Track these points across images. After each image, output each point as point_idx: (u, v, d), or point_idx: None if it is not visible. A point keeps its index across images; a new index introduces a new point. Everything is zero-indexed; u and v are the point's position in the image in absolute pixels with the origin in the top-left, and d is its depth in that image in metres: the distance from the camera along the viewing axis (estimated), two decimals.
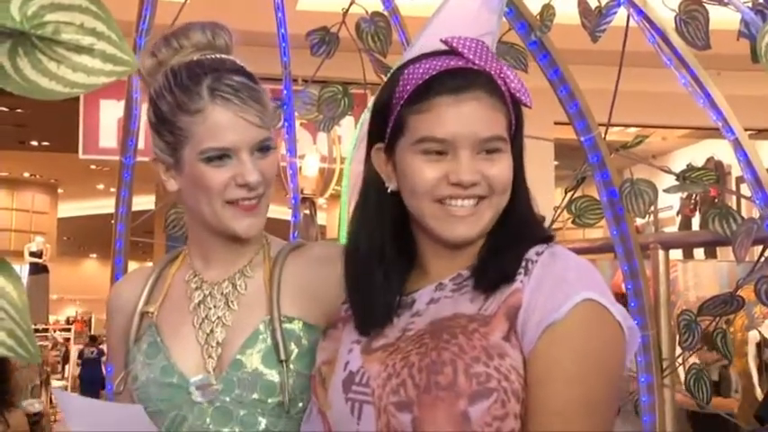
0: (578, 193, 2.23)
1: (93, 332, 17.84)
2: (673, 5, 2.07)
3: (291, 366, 1.23)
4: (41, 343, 9.95)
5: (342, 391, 1.13)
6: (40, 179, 14.81)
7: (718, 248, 6.41)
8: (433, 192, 1.13)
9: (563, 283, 1.07)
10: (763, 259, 2.08)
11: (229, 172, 1.24)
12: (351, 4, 2.38)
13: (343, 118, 2.45)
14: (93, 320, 18.46)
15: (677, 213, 8.97)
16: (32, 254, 13.42)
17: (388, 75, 1.25)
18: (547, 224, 1.23)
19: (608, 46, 2.09)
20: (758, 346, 5.22)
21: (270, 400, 1.23)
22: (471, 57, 1.14)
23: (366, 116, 1.61)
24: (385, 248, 1.19)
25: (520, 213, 1.17)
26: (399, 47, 2.37)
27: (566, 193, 2.25)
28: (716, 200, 6.74)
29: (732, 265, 4.69)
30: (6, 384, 3.25)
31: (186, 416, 1.25)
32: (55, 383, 8.41)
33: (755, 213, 2.10)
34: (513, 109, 1.17)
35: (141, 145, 2.42)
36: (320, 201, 7.10)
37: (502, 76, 1.15)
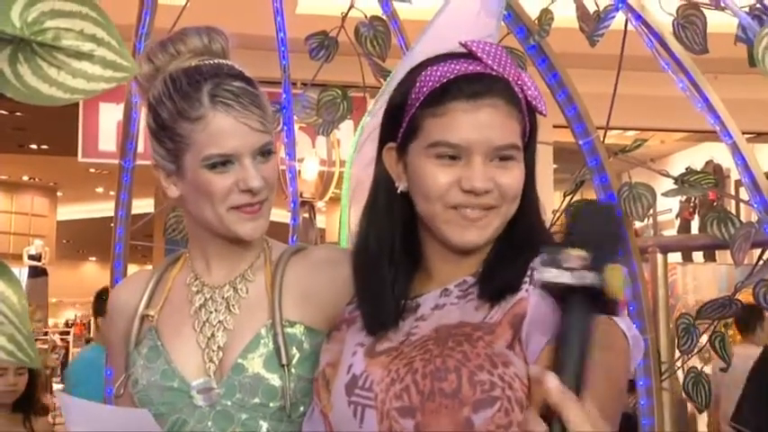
0: (577, 197, 2.24)
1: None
2: (670, 10, 2.07)
3: (293, 371, 1.23)
4: (41, 346, 9.94)
5: (344, 394, 1.13)
6: (39, 182, 14.79)
7: (717, 252, 6.41)
8: (445, 197, 1.12)
9: None
10: (761, 262, 2.08)
11: (232, 178, 1.24)
12: (350, 9, 2.38)
13: (343, 122, 2.45)
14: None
15: (676, 217, 8.96)
16: (31, 257, 13.40)
17: (386, 75, 1.25)
18: None
19: (606, 50, 2.09)
20: None
21: (271, 405, 1.23)
22: (490, 62, 1.13)
23: (367, 120, 1.61)
24: (395, 249, 1.19)
25: (528, 220, 1.17)
26: (398, 51, 2.37)
27: (564, 196, 2.25)
28: (715, 203, 6.74)
29: (731, 269, 4.69)
30: (34, 392, 3.26)
31: (187, 419, 1.25)
32: (55, 386, 8.40)
33: (754, 217, 2.10)
34: (528, 116, 1.16)
35: (140, 148, 2.42)
36: (319, 204, 7.10)
37: (519, 82, 1.14)
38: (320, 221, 7.87)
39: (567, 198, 2.24)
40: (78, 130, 6.72)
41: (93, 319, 5.74)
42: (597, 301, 0.87)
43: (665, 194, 2.19)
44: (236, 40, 1.34)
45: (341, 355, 1.18)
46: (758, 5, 1.90)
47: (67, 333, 14.35)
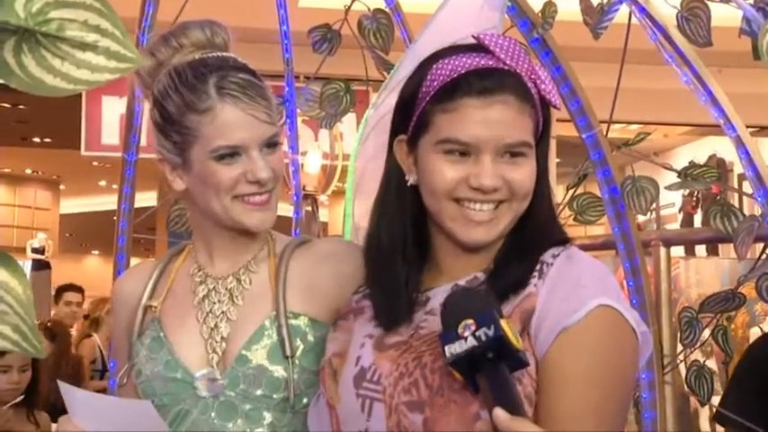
0: (580, 191, 2.24)
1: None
2: (674, 2, 2.07)
3: (297, 362, 1.23)
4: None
5: (353, 386, 1.13)
6: (42, 176, 14.80)
7: (719, 246, 6.40)
8: (452, 192, 1.12)
9: (578, 288, 1.06)
10: (764, 256, 2.08)
11: (240, 169, 1.24)
12: (353, 1, 2.38)
13: (345, 115, 2.45)
14: None
15: (679, 211, 8.96)
16: (35, 250, 13.42)
17: (390, 68, 1.25)
18: None
19: (610, 43, 2.09)
20: None
21: (275, 396, 1.23)
22: (502, 56, 1.11)
23: (371, 113, 1.61)
24: (407, 243, 1.18)
25: (540, 216, 1.16)
26: (401, 44, 2.37)
27: (567, 190, 2.25)
28: (718, 197, 6.73)
29: (733, 263, 4.69)
30: (37, 386, 3.28)
31: (190, 410, 1.25)
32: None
33: (757, 211, 2.10)
34: (542, 110, 1.14)
35: (143, 141, 2.42)
36: (322, 197, 7.11)
37: (533, 77, 1.12)
38: (323, 215, 7.87)
39: (570, 192, 2.24)
40: (81, 123, 6.73)
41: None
42: (505, 354, 0.96)
43: (669, 188, 2.18)
44: (239, 33, 1.35)
45: (348, 344, 1.18)
46: None
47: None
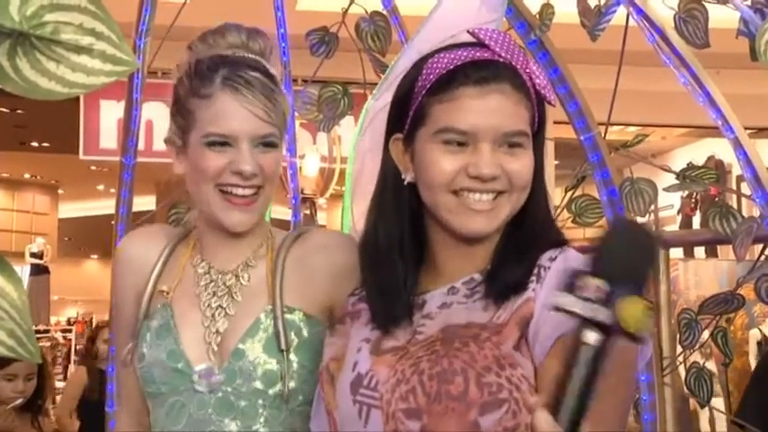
0: (578, 193, 2.23)
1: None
2: (672, 4, 2.06)
3: (291, 356, 1.24)
4: (43, 344, 9.95)
5: (350, 392, 1.13)
6: (40, 180, 14.80)
7: (718, 247, 6.40)
8: (451, 183, 1.11)
9: None
10: (763, 258, 2.08)
11: (227, 158, 1.26)
12: (350, 4, 2.38)
13: (343, 118, 2.45)
14: (94, 321, 18.42)
15: (678, 212, 8.96)
16: (33, 255, 13.41)
17: (388, 69, 1.25)
18: None
19: (607, 45, 2.09)
20: (759, 344, 5.21)
21: (270, 391, 1.24)
22: (498, 49, 1.12)
23: (371, 103, 1.59)
24: (404, 243, 1.17)
25: (536, 215, 1.15)
26: (399, 46, 2.36)
27: (566, 192, 2.24)
28: (716, 199, 6.73)
29: (732, 264, 4.69)
30: (42, 391, 3.28)
31: (186, 404, 1.26)
32: (57, 384, 8.43)
33: (756, 212, 2.09)
34: (537, 105, 1.15)
35: (141, 146, 2.42)
36: (320, 201, 7.10)
37: (528, 71, 1.13)
38: (321, 218, 7.87)
39: (569, 194, 2.24)
40: (79, 127, 6.72)
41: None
42: (613, 332, 0.81)
43: (667, 190, 2.18)
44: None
45: (345, 349, 1.18)
46: None
47: (69, 331, 14.36)
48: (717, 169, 6.66)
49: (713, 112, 2.08)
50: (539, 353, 1.04)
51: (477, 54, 1.12)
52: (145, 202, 4.80)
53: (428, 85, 1.12)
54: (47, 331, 12.25)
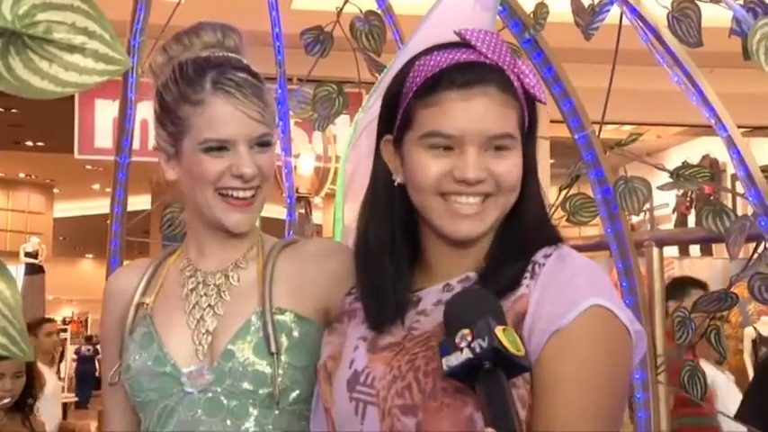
0: (573, 191, 2.24)
1: (89, 332, 17.79)
2: (665, 3, 2.07)
3: (282, 358, 1.24)
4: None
5: (346, 389, 1.13)
6: (35, 179, 14.78)
7: (713, 245, 6.42)
8: (438, 187, 1.11)
9: (569, 289, 1.05)
10: (756, 256, 2.08)
11: (226, 163, 1.26)
12: (345, 3, 2.38)
13: (338, 117, 2.45)
14: (89, 321, 18.41)
15: (673, 211, 8.98)
16: (28, 254, 13.39)
17: (382, 70, 1.25)
18: None
19: (601, 44, 2.09)
20: (754, 342, 5.23)
21: (261, 392, 1.24)
22: (484, 50, 1.11)
23: (361, 116, 1.60)
24: (395, 242, 1.17)
25: (530, 213, 1.15)
26: (393, 46, 2.37)
27: (560, 190, 2.25)
28: (711, 197, 6.75)
29: (726, 262, 4.70)
30: (32, 390, 3.28)
31: (176, 407, 1.25)
32: None
33: (750, 210, 2.10)
34: (527, 105, 1.14)
35: (136, 145, 2.42)
36: (316, 200, 7.10)
37: (515, 71, 1.12)
38: (317, 217, 7.87)
39: (563, 193, 2.24)
40: (74, 126, 6.71)
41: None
42: (502, 362, 0.94)
43: (661, 188, 2.18)
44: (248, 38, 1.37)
45: (342, 347, 1.18)
46: None
47: (65, 330, 14.35)
48: (711, 168, 6.67)
49: (706, 111, 2.08)
50: (534, 348, 1.04)
51: (463, 56, 1.12)
52: (140, 202, 4.79)
53: (414, 89, 1.13)
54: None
